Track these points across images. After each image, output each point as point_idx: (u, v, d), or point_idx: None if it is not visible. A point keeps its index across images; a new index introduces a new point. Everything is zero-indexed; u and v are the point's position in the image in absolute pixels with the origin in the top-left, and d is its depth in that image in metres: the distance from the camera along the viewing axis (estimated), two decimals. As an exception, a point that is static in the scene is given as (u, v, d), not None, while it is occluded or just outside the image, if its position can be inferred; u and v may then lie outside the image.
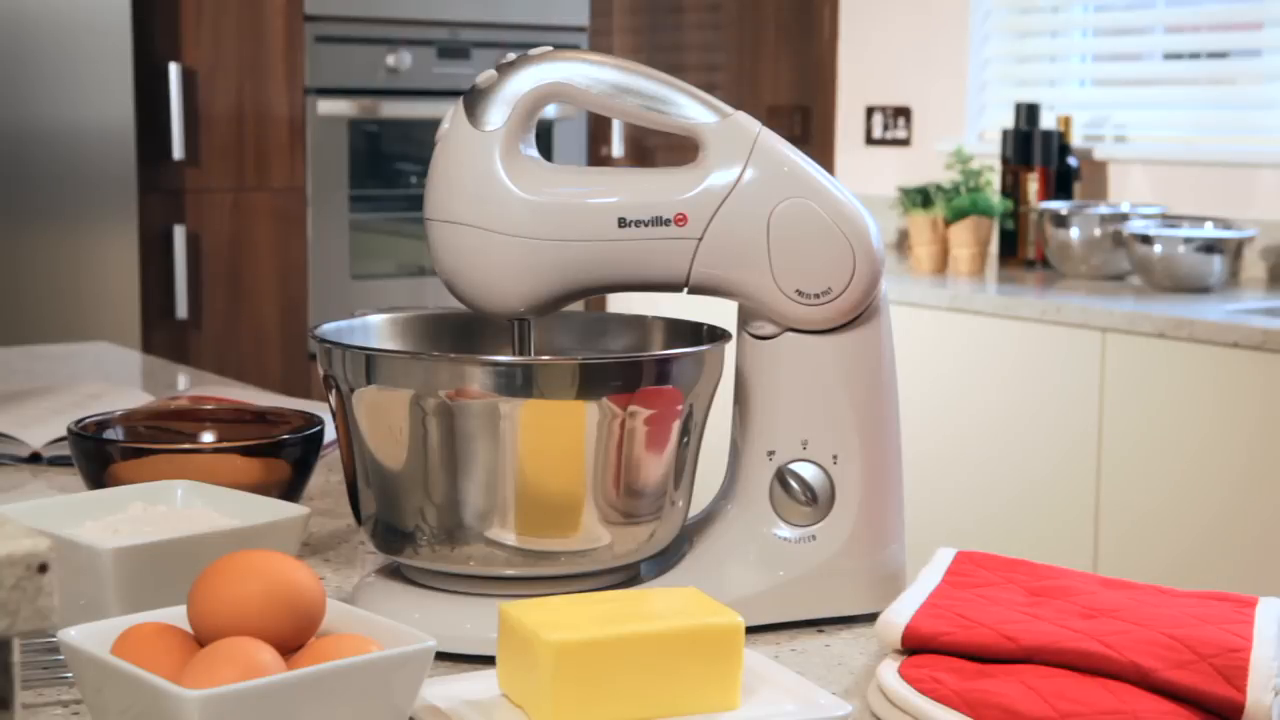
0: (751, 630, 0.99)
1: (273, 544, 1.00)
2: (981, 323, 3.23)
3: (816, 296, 1.06)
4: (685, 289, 1.07)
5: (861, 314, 1.08)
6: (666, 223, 1.05)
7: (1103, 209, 3.58)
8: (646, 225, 1.04)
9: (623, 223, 1.04)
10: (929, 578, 1.06)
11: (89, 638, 0.82)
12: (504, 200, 1.03)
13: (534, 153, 1.06)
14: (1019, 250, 3.75)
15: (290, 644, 0.82)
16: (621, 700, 0.86)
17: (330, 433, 1.47)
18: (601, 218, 1.04)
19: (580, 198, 1.04)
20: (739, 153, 1.05)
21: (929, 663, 0.93)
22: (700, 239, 1.05)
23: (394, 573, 1.08)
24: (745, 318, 1.10)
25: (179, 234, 3.51)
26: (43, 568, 0.63)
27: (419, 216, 1.11)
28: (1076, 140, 3.83)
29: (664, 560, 1.10)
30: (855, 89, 4.40)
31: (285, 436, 1.28)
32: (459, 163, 1.04)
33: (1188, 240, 3.27)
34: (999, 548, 1.20)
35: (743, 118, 1.07)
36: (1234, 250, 3.29)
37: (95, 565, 0.95)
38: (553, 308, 1.07)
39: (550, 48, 1.07)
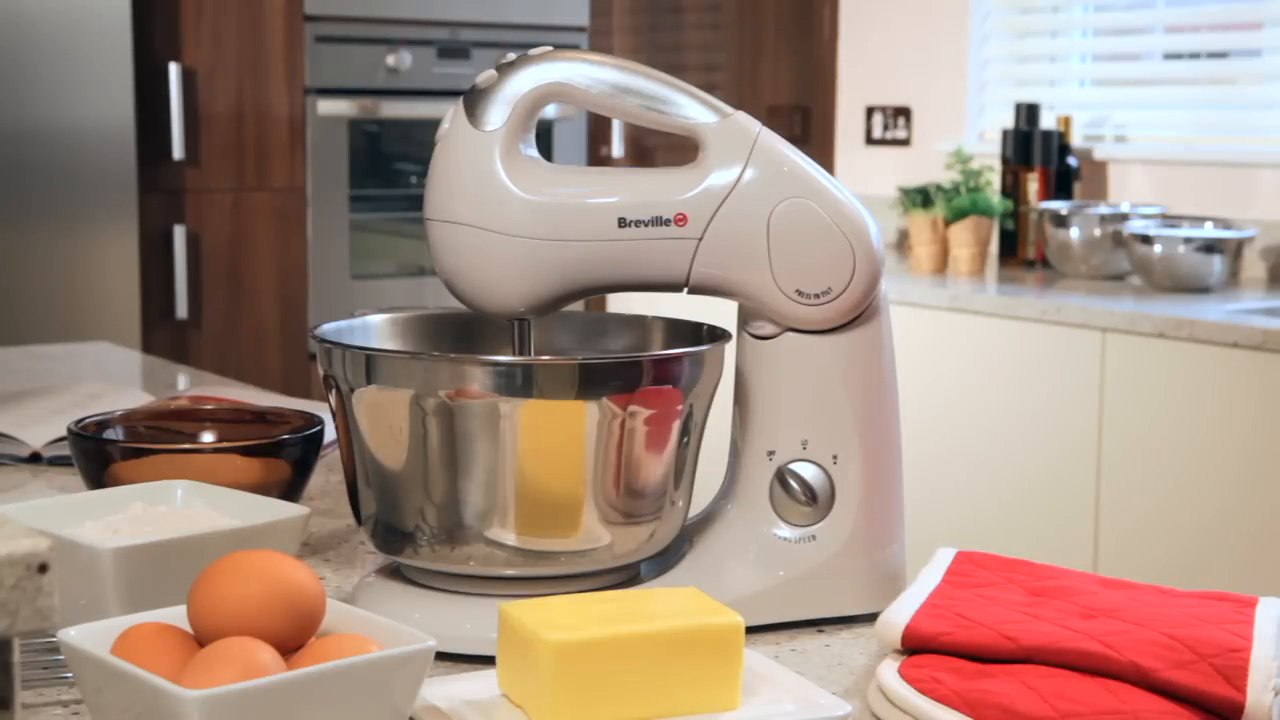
0: (751, 630, 0.99)
1: (273, 544, 1.00)
2: (981, 323, 3.23)
3: (816, 296, 1.06)
4: (685, 289, 1.07)
5: (861, 314, 1.08)
6: (666, 223, 1.05)
7: (1103, 209, 3.57)
8: (646, 225, 1.04)
9: (623, 223, 1.04)
10: (929, 578, 1.06)
11: (89, 638, 0.82)
12: (504, 200, 1.03)
13: (534, 153, 1.06)
14: (1019, 250, 3.75)
15: (290, 644, 0.82)
16: (621, 700, 0.86)
17: (330, 433, 1.47)
18: (601, 218, 1.04)
19: (580, 198, 1.04)
20: (739, 153, 1.05)
21: (929, 663, 0.93)
22: (700, 239, 1.05)
23: (394, 573, 1.08)
24: (745, 318, 1.10)
25: (179, 234, 3.51)
26: (43, 568, 0.63)
27: (419, 216, 1.11)
28: (1076, 140, 3.83)
29: (664, 560, 1.10)
30: (855, 89, 4.39)
31: (285, 436, 1.28)
32: (459, 163, 1.04)
33: (1188, 240, 3.27)
34: (999, 548, 1.20)
35: (743, 118, 1.07)
36: (1234, 250, 3.29)
37: (95, 565, 0.95)
38: (553, 308, 1.07)
39: (550, 48, 1.07)
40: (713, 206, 1.05)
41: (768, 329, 1.08)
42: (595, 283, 1.06)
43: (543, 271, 1.04)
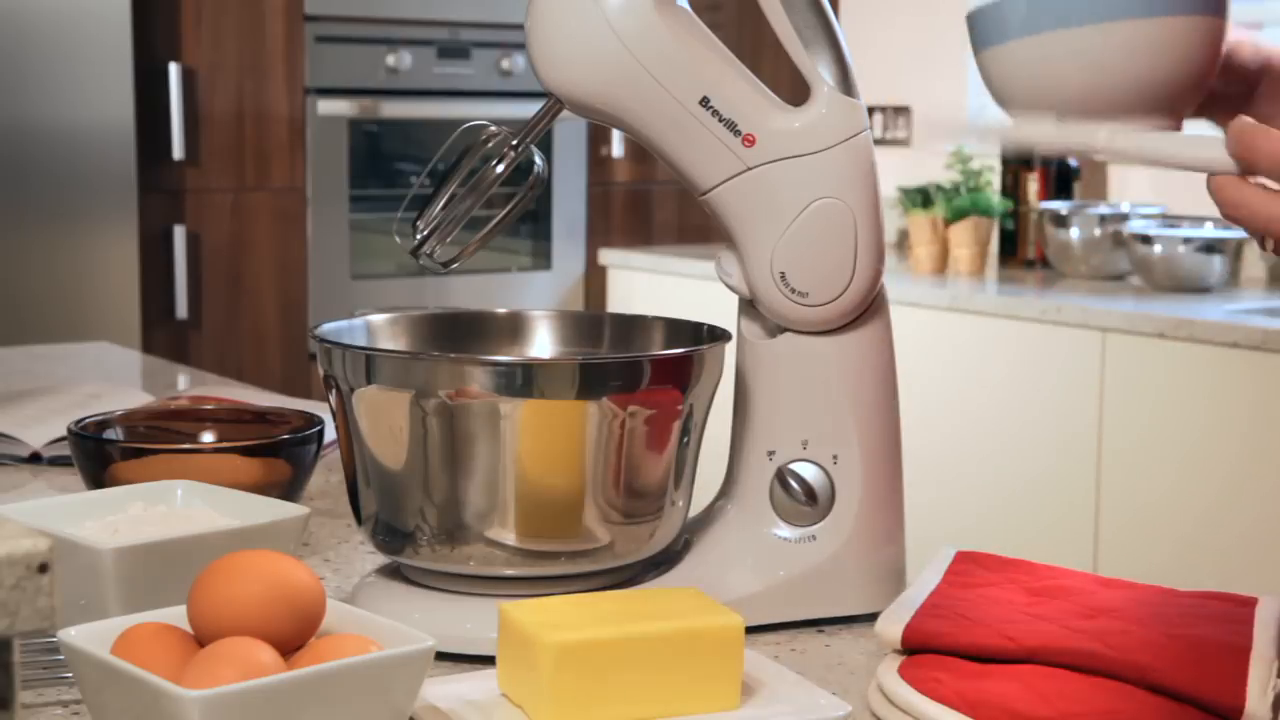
0: (751, 630, 0.99)
1: (273, 544, 1.00)
2: (981, 323, 3.23)
3: (794, 291, 1.06)
4: (700, 196, 1.07)
5: (861, 314, 1.08)
6: (737, 133, 1.04)
7: (1103, 209, 3.57)
8: (720, 121, 1.04)
9: (704, 102, 1.04)
10: (929, 578, 1.06)
11: (89, 638, 0.82)
12: (634, 4, 1.02)
13: (686, 4, 1.05)
14: (1019, 250, 3.75)
15: (290, 644, 0.82)
16: (621, 700, 0.86)
17: (330, 433, 1.47)
18: (691, 82, 1.03)
19: (690, 54, 1.03)
20: (836, 132, 1.07)
21: (929, 663, 0.93)
22: (747, 170, 1.05)
23: (394, 573, 1.08)
24: (719, 258, 1.10)
25: (179, 234, 3.51)
26: (43, 568, 0.63)
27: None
28: (1076, 140, 3.83)
29: (664, 560, 1.10)
30: (855, 89, 4.39)
31: (285, 436, 1.28)
32: None
33: (1188, 240, 3.27)
34: (999, 547, 1.20)
35: (860, 109, 1.09)
36: (1234, 250, 3.29)
37: (95, 565, 0.95)
38: (587, 112, 1.05)
39: None
40: (778, 154, 1.05)
41: (734, 280, 1.08)
42: (639, 128, 1.04)
43: (609, 78, 1.03)
